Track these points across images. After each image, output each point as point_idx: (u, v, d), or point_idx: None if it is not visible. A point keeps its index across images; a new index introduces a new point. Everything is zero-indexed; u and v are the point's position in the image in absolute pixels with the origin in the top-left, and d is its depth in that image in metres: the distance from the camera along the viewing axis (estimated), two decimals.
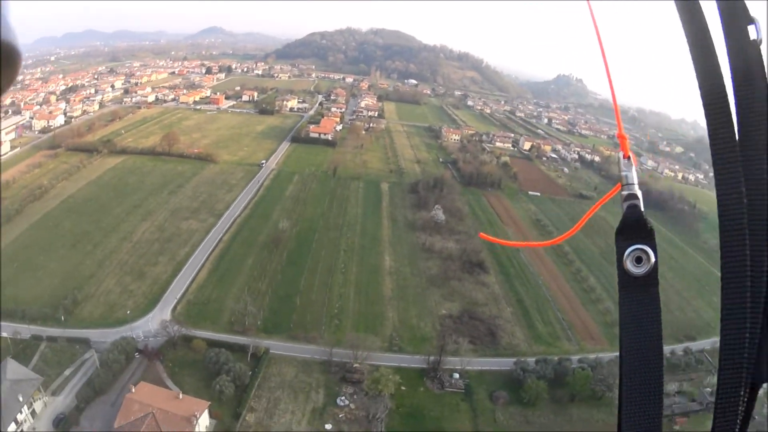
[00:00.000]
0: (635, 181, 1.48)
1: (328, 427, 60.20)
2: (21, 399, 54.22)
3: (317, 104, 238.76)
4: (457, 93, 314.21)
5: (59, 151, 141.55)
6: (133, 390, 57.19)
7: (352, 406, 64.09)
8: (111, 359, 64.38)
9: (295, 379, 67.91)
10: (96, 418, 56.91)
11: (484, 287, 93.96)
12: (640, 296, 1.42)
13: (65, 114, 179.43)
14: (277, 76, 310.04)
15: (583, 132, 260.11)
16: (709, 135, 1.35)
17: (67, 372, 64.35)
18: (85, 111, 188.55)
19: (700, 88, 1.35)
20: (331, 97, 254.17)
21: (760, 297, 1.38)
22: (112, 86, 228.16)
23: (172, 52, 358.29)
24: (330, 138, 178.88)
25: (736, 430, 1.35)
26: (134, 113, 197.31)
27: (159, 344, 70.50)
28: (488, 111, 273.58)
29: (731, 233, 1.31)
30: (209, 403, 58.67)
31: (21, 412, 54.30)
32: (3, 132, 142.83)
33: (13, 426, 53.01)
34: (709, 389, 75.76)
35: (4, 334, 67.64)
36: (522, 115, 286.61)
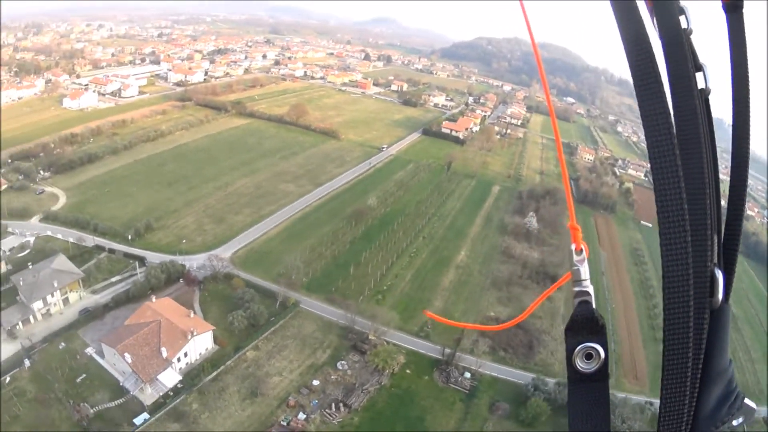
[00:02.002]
0: (587, 276, 1.61)
1: (315, 383, 64.62)
2: (56, 285, 67.75)
3: (463, 104, 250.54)
4: (611, 118, 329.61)
5: (188, 104, 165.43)
6: (154, 300, 67.71)
7: (348, 372, 67.92)
8: (153, 275, 75.71)
9: (310, 335, 73.65)
10: (118, 318, 68.08)
11: (547, 300, 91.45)
12: (589, 392, 1.57)
13: (206, 73, 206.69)
14: (435, 73, 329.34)
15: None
16: (647, 135, 1.44)
17: (114, 279, 77.44)
18: (227, 73, 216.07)
19: (647, 134, 1.44)
20: (480, 100, 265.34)
21: (699, 355, 1.59)
22: (264, 56, 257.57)
23: (338, 35, 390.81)
24: (460, 136, 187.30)
25: None
26: (277, 84, 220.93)
27: (203, 276, 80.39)
28: (635, 139, 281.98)
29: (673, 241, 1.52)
30: (213, 327, 67.23)
31: (53, 296, 67.79)
32: (133, 77, 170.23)
33: (40, 303, 66.84)
34: None
35: (71, 240, 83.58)
36: None
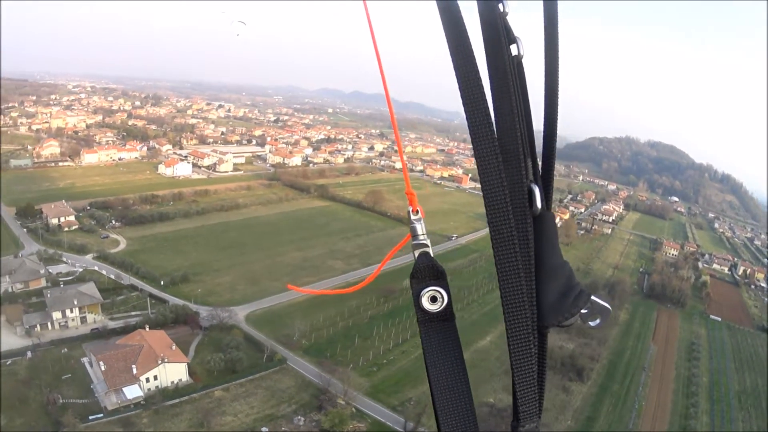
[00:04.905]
0: (424, 232, 2.05)
1: (263, 429, 74.45)
2: (75, 302, 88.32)
3: (557, 201, 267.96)
4: (711, 215, 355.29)
5: (274, 183, 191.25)
6: (147, 329, 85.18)
7: (302, 428, 76.57)
8: (161, 313, 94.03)
9: (283, 389, 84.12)
10: (117, 339, 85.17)
11: (563, 393, 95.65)
12: (438, 330, 2.02)
13: (306, 158, 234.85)
14: None
15: None
16: (471, 137, 1.88)
17: (132, 312, 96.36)
18: (326, 161, 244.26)
19: (461, 91, 1.85)
20: (578, 198, 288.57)
21: (528, 253, 1.99)
22: (371, 147, 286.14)
23: (457, 133, 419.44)
24: None
25: (534, 369, 1.95)
26: (373, 173, 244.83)
27: (208, 323, 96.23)
28: (728, 235, 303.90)
29: (495, 204, 1.86)
30: (187, 360, 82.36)
31: (71, 311, 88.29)
32: (231, 154, 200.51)
33: (59, 315, 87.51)
34: None
35: (111, 276, 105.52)
36: (759, 243, 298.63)
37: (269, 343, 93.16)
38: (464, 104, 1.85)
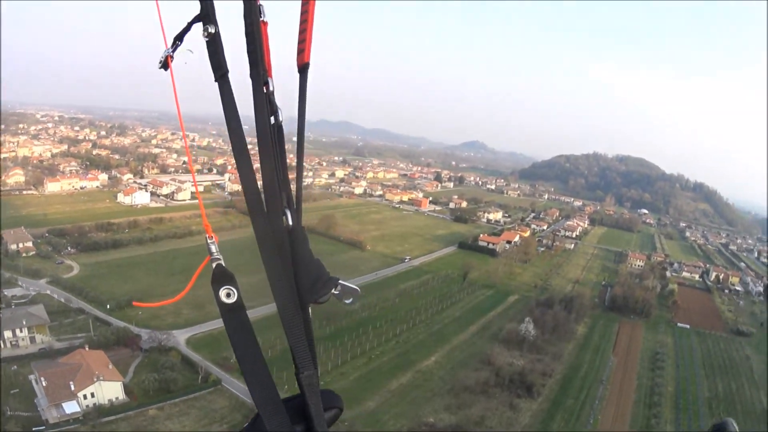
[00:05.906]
0: (217, 250, 2.58)
1: None
2: (24, 323, 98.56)
3: (519, 220, 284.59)
4: (682, 224, 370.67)
5: (230, 210, 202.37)
6: (86, 348, 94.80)
7: None
8: (104, 334, 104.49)
9: (217, 410, 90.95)
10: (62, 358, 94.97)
11: (510, 411, 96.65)
12: (235, 317, 2.50)
13: None
14: (506, 193, 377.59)
15: None
16: (240, 182, 2.52)
17: (78, 334, 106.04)
18: None
19: (234, 153, 2.56)
20: (541, 216, 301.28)
21: (286, 255, 2.60)
22: (333, 174, 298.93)
23: (422, 158, 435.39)
24: (497, 249, 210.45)
25: (302, 332, 2.55)
26: (331, 200, 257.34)
27: (149, 345, 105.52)
28: (701, 242, 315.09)
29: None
30: (123, 380, 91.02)
31: (21, 331, 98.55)
32: (189, 182, 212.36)
33: (10, 334, 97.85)
34: None
35: (62, 299, 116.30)
36: (734, 248, 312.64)
37: (205, 364, 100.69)
38: (236, 160, 2.56)
